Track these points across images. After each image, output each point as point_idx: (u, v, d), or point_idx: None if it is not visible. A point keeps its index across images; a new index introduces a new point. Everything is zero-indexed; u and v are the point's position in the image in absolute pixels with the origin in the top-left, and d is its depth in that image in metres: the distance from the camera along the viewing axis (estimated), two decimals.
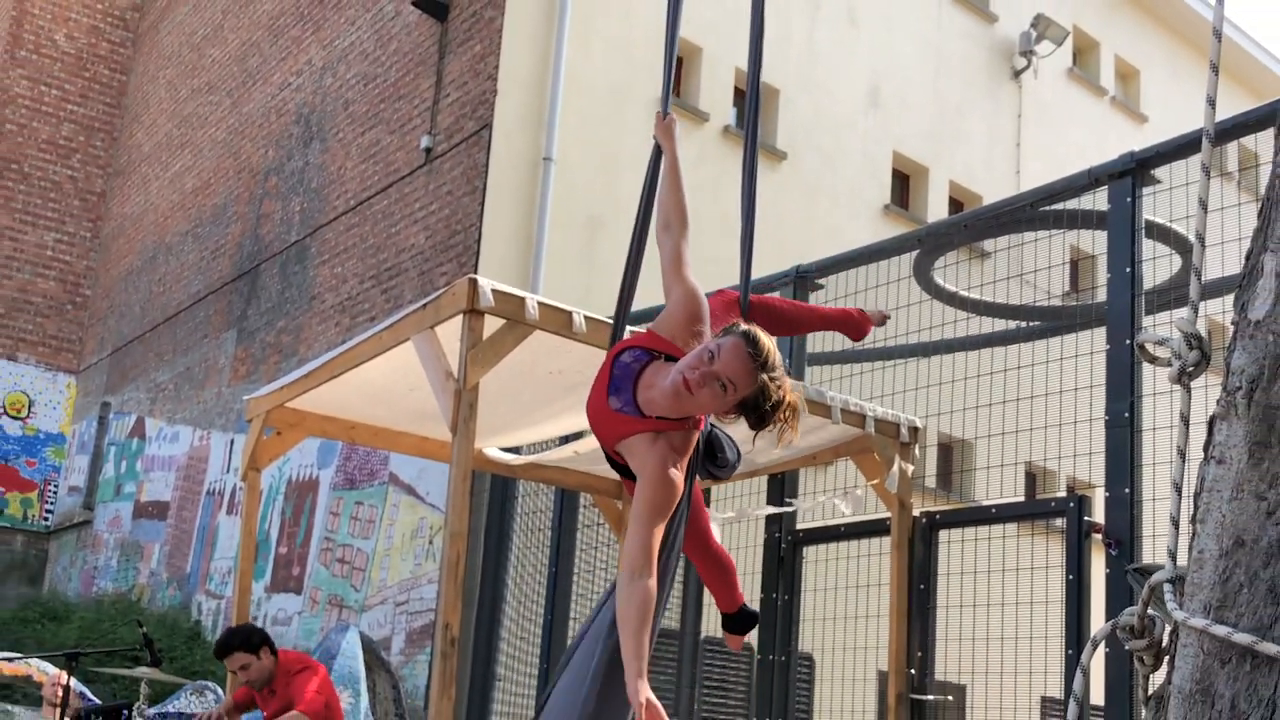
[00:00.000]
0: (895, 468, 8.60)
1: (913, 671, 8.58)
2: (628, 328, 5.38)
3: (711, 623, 10.14)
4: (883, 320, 6.04)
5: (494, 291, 6.84)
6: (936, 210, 19.55)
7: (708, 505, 7.18)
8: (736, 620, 5.39)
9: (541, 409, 8.55)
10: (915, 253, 9.90)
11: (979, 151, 20.68)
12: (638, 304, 5.60)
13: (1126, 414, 7.42)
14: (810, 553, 9.69)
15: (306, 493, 17.01)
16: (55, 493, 25.15)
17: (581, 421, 8.87)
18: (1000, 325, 10.70)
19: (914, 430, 8.77)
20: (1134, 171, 7.77)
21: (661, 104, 5.46)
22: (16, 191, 25.53)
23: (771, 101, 17.80)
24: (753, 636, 9.55)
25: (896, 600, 8.60)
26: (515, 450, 10.16)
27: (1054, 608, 7.95)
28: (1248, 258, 3.86)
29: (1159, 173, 7.82)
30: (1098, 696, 7.25)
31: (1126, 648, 4.10)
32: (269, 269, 19.44)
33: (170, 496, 21.04)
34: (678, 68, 17.17)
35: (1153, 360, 4.16)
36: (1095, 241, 8.27)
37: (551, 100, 15.35)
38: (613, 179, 15.51)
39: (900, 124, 19.59)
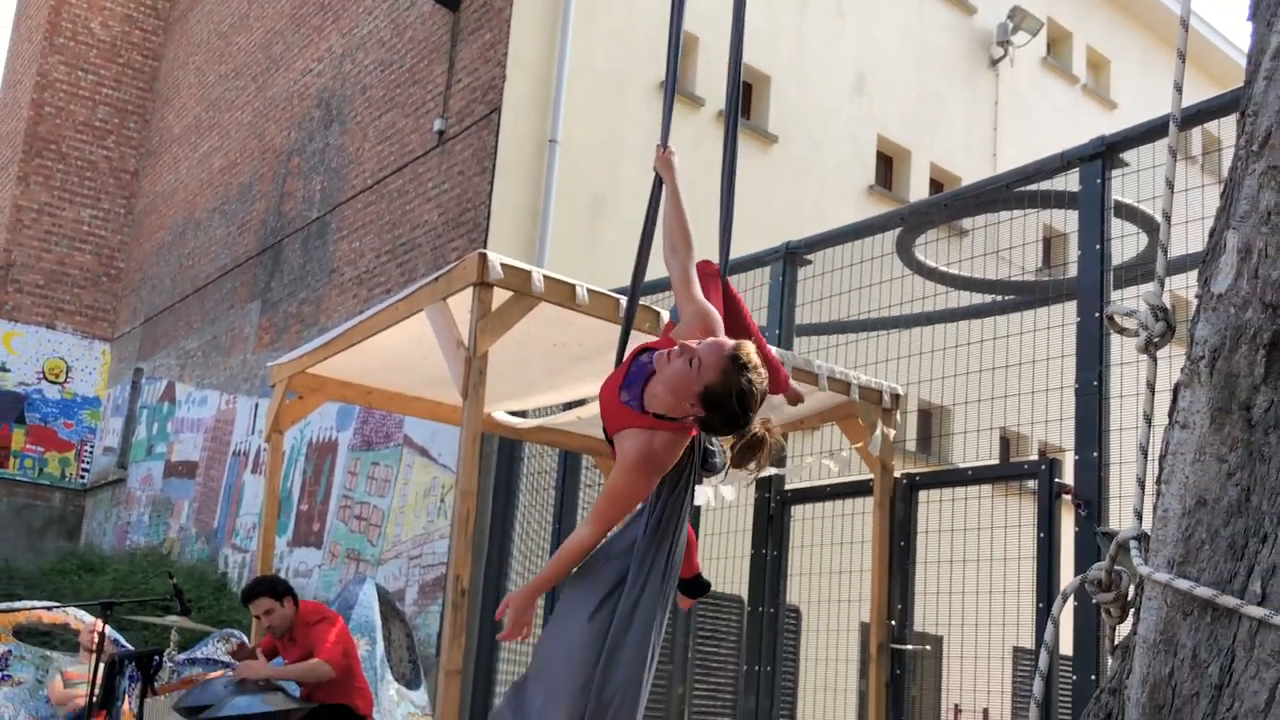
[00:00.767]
0: (878, 432, 8.61)
1: (893, 623, 8.60)
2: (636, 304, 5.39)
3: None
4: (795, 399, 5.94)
5: (502, 265, 6.83)
6: (918, 191, 19.54)
7: None
8: (691, 586, 5.40)
9: (547, 376, 8.55)
10: (898, 230, 9.89)
11: (958, 135, 20.66)
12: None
13: (1095, 382, 7.43)
14: (798, 511, 9.70)
15: (326, 454, 17.02)
16: (91, 453, 25.16)
17: (583, 389, 8.89)
18: (977, 299, 10.71)
19: (896, 397, 8.77)
20: (1104, 155, 7.76)
21: (661, 137, 5.42)
22: (55, 170, 25.52)
23: (763, 88, 17.81)
24: (744, 589, 9.60)
25: (878, 556, 8.62)
26: (522, 414, 10.16)
27: (1026, 564, 7.96)
28: (1211, 235, 3.85)
29: (1127, 156, 7.81)
30: (1067, 647, 7.27)
31: (1094, 601, 4.10)
32: (291, 244, 19.42)
33: (199, 457, 21.05)
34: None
35: (1121, 331, 4.15)
36: (1067, 220, 8.27)
37: (557, 86, 15.33)
38: (615, 161, 15.50)
39: (884, 110, 19.57)
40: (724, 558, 9.94)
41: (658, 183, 5.34)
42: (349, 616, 9.46)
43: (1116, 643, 4.13)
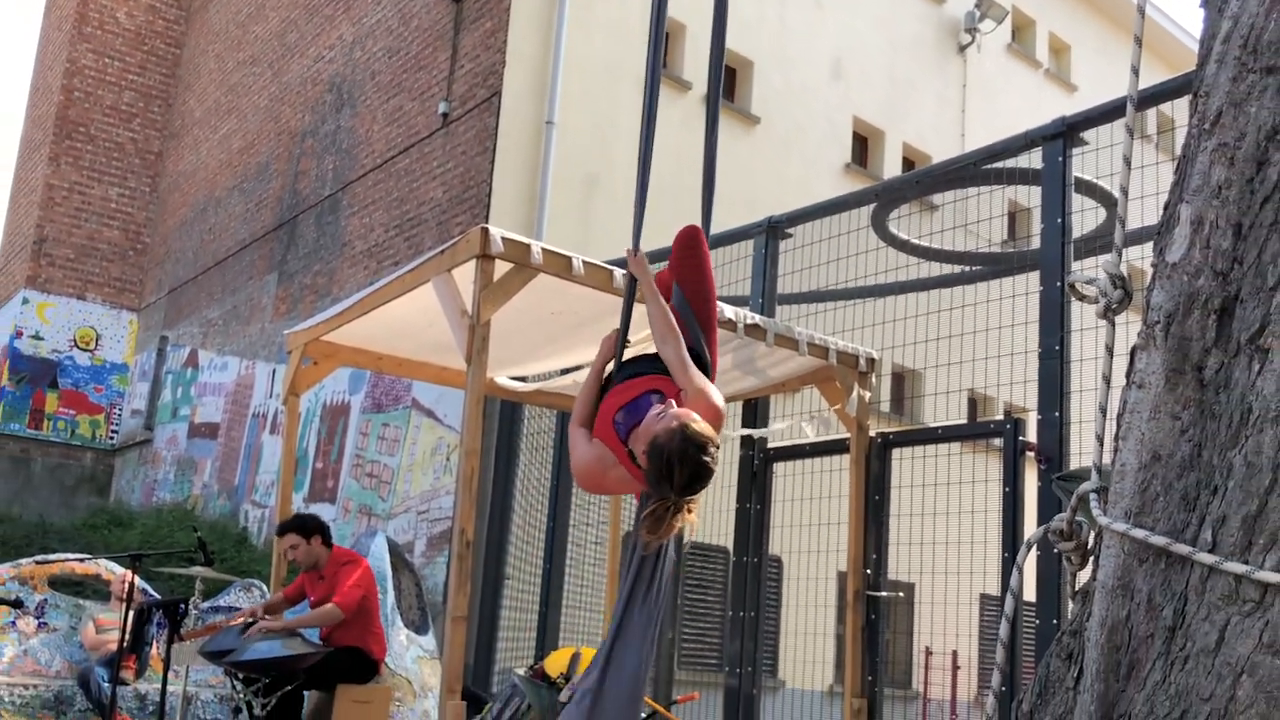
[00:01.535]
0: (854, 394, 8.61)
1: (868, 571, 8.61)
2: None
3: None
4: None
5: (503, 239, 6.81)
6: (891, 169, 19.55)
7: None
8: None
9: (545, 343, 8.54)
10: (873, 205, 9.88)
11: (929, 117, 20.65)
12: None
13: (1057, 347, 7.43)
14: (779, 468, 9.71)
15: (339, 415, 17.02)
16: (120, 415, 25.15)
17: (580, 354, 8.88)
18: (947, 269, 10.70)
19: (871, 361, 8.77)
20: (1065, 134, 7.76)
21: (633, 240, 5.29)
22: (84, 151, 25.48)
23: (746, 73, 17.79)
24: (729, 541, 9.61)
25: (854, 509, 8.63)
26: (522, 379, 10.16)
27: (992, 516, 7.98)
28: (1166, 208, 3.85)
29: (1087, 135, 7.80)
30: (1030, 593, 7.28)
31: (1056, 549, 4.11)
32: (306, 219, 19.39)
33: (220, 418, 21.05)
34: (665, 42, 17.09)
35: (1081, 298, 4.14)
36: (1030, 196, 8.27)
37: (553, 71, 15.30)
38: (608, 142, 15.48)
39: (860, 93, 19.55)
40: (710, 511, 9.95)
41: (631, 280, 5.28)
42: None
43: (1077, 588, 4.14)
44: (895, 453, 8.86)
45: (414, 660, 9.17)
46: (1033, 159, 8.04)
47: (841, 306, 9.92)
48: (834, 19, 19.39)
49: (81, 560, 11.14)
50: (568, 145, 15.24)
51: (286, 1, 22.05)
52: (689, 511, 4.44)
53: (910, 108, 20.40)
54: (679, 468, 4.33)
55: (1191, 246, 3.65)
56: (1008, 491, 7.78)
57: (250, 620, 8.06)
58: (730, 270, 10.08)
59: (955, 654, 12.16)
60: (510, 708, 9.66)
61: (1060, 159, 7.72)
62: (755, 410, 9.83)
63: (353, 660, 7.99)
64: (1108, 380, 4.00)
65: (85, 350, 25.00)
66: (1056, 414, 7.38)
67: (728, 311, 7.53)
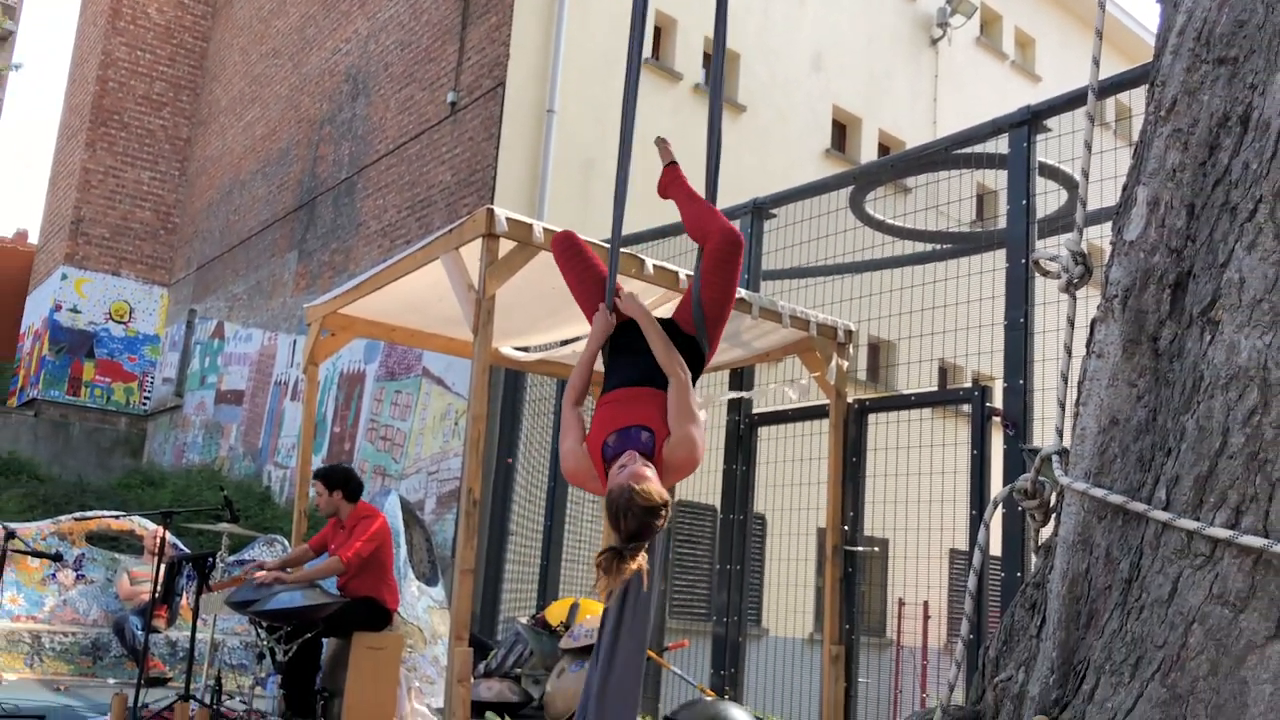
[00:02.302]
0: (833, 363, 8.60)
1: (846, 528, 8.62)
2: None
3: (682, 489, 10.19)
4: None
5: (508, 219, 6.79)
6: (868, 154, 19.52)
7: None
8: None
9: (547, 316, 8.53)
10: (850, 188, 9.86)
11: (903, 106, 20.60)
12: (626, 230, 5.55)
13: (1022, 319, 7.42)
14: (764, 432, 9.71)
15: (355, 383, 17.00)
16: (152, 383, 25.13)
17: (579, 327, 8.86)
18: (919, 248, 10.68)
19: (849, 333, 8.75)
20: (1029, 121, 7.74)
21: (606, 296, 5.20)
22: (118, 138, 25.42)
23: (734, 65, 17.73)
24: (717, 500, 9.61)
25: (833, 470, 8.63)
26: (525, 349, 10.14)
27: (961, 476, 7.98)
28: (1124, 190, 3.83)
29: (1050, 123, 7.78)
30: (997, 548, 7.29)
31: (1020, 507, 4.11)
32: (324, 201, 19.34)
33: (245, 386, 21.03)
34: (656, 35, 17.05)
35: (1045, 274, 4.14)
36: (997, 179, 8.24)
37: (554, 63, 15.25)
38: (605, 128, 15.42)
39: (839, 83, 19.50)
40: (700, 472, 9.92)
41: (602, 326, 5.15)
42: None
43: (1040, 544, 4.13)
44: (871, 418, 8.85)
45: (425, 610, 9.17)
46: (1000, 145, 8.02)
47: (822, 282, 9.90)
48: (815, 14, 19.33)
49: (116, 517, 11.15)
50: (567, 131, 15.21)
51: None
52: (632, 559, 4.35)
53: (886, 97, 20.35)
54: (624, 522, 4.33)
55: (1148, 226, 3.63)
56: (975, 454, 7.78)
57: (258, 568, 8.09)
58: None
59: (926, 605, 12.18)
60: (514, 653, 9.67)
61: (1025, 145, 7.70)
62: (741, 378, 9.83)
63: (368, 610, 7.99)
64: (1069, 350, 4.00)
65: (120, 323, 24.98)
66: (1021, 382, 7.38)
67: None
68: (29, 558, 10.10)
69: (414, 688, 8.31)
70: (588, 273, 5.32)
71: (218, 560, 7.87)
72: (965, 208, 9.58)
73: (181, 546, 10.66)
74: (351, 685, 7.78)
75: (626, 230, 5.73)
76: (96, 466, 23.74)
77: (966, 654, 4.17)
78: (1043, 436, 7.36)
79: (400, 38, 17.89)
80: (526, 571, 11.40)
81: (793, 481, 9.70)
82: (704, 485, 9.49)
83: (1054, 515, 3.92)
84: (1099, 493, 3.47)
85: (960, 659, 3.98)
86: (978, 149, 8.43)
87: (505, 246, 6.86)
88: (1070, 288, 3.98)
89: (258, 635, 7.82)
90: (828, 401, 8.77)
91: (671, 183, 5.42)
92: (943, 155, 8.87)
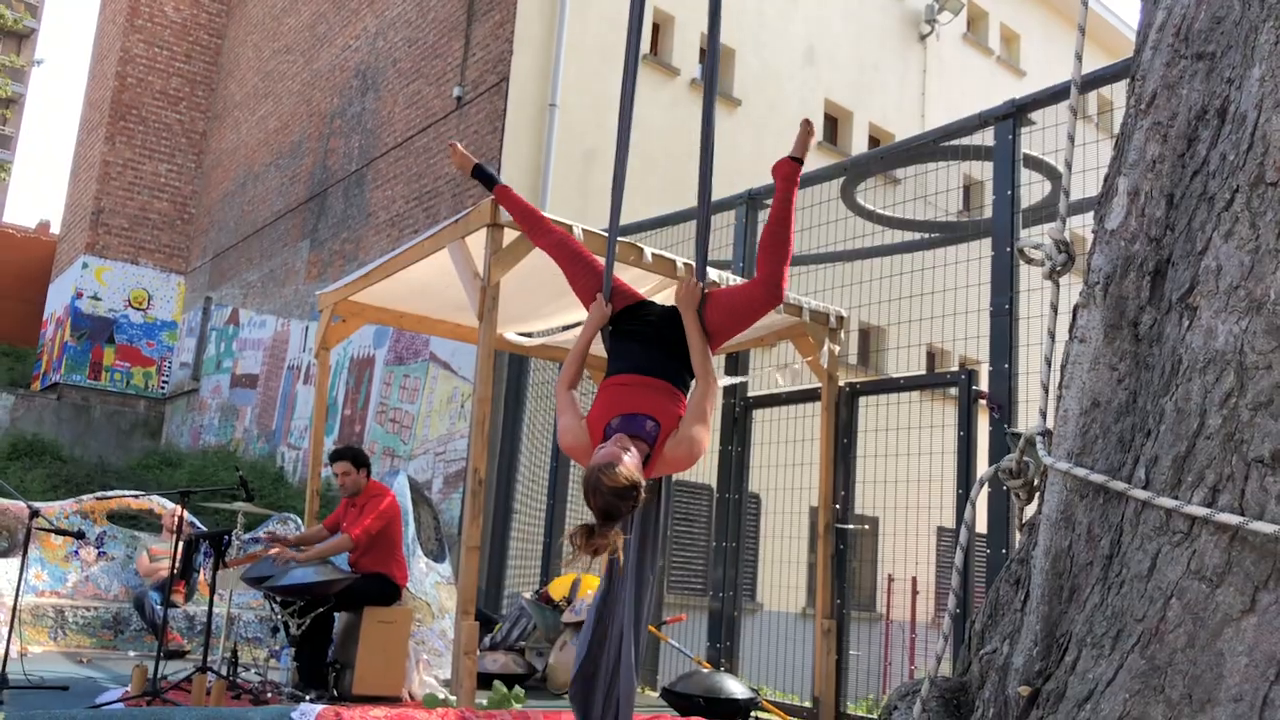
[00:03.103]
0: (825, 348, 8.60)
1: (837, 506, 8.62)
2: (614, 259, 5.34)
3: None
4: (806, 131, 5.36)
5: None
6: (859, 145, 19.48)
7: None
8: None
9: (549, 302, 8.52)
10: (842, 179, 9.84)
11: (892, 99, 20.56)
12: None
13: (1007, 305, 7.42)
14: (758, 414, 9.71)
15: (365, 367, 17.00)
16: (169, 367, 25.13)
17: (580, 313, 8.85)
18: (908, 236, 10.66)
19: (840, 318, 8.75)
20: (1014, 115, 7.73)
21: (605, 288, 5.13)
22: (136, 131, 25.39)
23: (729, 59, 17.70)
24: (714, 479, 9.62)
25: (825, 451, 8.63)
26: (528, 334, 10.14)
27: (948, 457, 7.98)
28: (1105, 181, 3.83)
29: (1034, 116, 7.78)
30: (982, 526, 7.30)
31: (1005, 486, 4.11)
32: (335, 192, 19.32)
33: (259, 370, 21.02)
34: (654, 31, 17.03)
35: (1029, 262, 4.13)
36: (983, 170, 8.23)
37: (556, 58, 15.22)
38: (605, 121, 15.39)
39: (830, 77, 19.46)
40: None
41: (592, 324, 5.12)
42: None
43: (1024, 521, 4.14)
44: (862, 400, 8.86)
45: (432, 585, 9.18)
46: (985, 137, 8.01)
47: (814, 269, 9.89)
48: (806, 10, 19.29)
49: (136, 496, 11.15)
50: (569, 125, 15.19)
51: None
52: (602, 537, 4.26)
53: (876, 91, 20.32)
54: (593, 500, 4.24)
55: (1128, 215, 3.63)
56: (962, 435, 7.78)
57: (271, 541, 8.09)
58: (713, 238, 10.02)
59: (915, 580, 12.20)
60: (519, 627, 9.69)
61: (1010, 137, 7.69)
62: (736, 362, 9.83)
63: (378, 585, 8.00)
64: (1053, 335, 3.99)
65: (138, 309, 24.97)
66: (1006, 366, 7.38)
67: (712, 274, 7.51)
68: (53, 535, 10.11)
69: (422, 660, 8.32)
70: (576, 256, 5.30)
71: (233, 538, 7.87)
72: (952, 198, 9.57)
73: (199, 525, 10.67)
74: (362, 657, 7.79)
75: (625, 220, 5.72)
76: (116, 448, 23.76)
77: (953, 627, 4.18)
78: (1027, 418, 7.36)
79: (408, 35, 17.86)
80: (530, 548, 11.42)
81: (786, 462, 9.71)
82: (701, 466, 9.46)
83: (1038, 494, 3.92)
84: (1081, 472, 3.47)
85: (947, 632, 3.98)
86: (964, 141, 8.42)
87: (509, 236, 6.86)
88: (1053, 275, 3.98)
89: (272, 610, 7.82)
90: (820, 385, 8.77)
91: (786, 177, 5.09)
92: (931, 147, 8.86)
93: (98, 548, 10.81)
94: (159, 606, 9.62)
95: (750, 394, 9.69)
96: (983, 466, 7.59)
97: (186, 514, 8.61)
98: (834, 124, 19.84)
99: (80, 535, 8.15)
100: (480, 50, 15.64)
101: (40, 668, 8.09)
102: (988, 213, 7.92)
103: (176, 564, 7.94)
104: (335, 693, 7.69)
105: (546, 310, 8.90)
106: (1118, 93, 5.67)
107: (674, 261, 7.62)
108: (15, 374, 26.49)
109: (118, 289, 24.76)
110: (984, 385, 7.67)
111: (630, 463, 4.28)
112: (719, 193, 10.18)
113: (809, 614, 10.23)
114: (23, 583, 7.72)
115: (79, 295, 24.34)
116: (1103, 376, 3.56)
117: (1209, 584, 3.07)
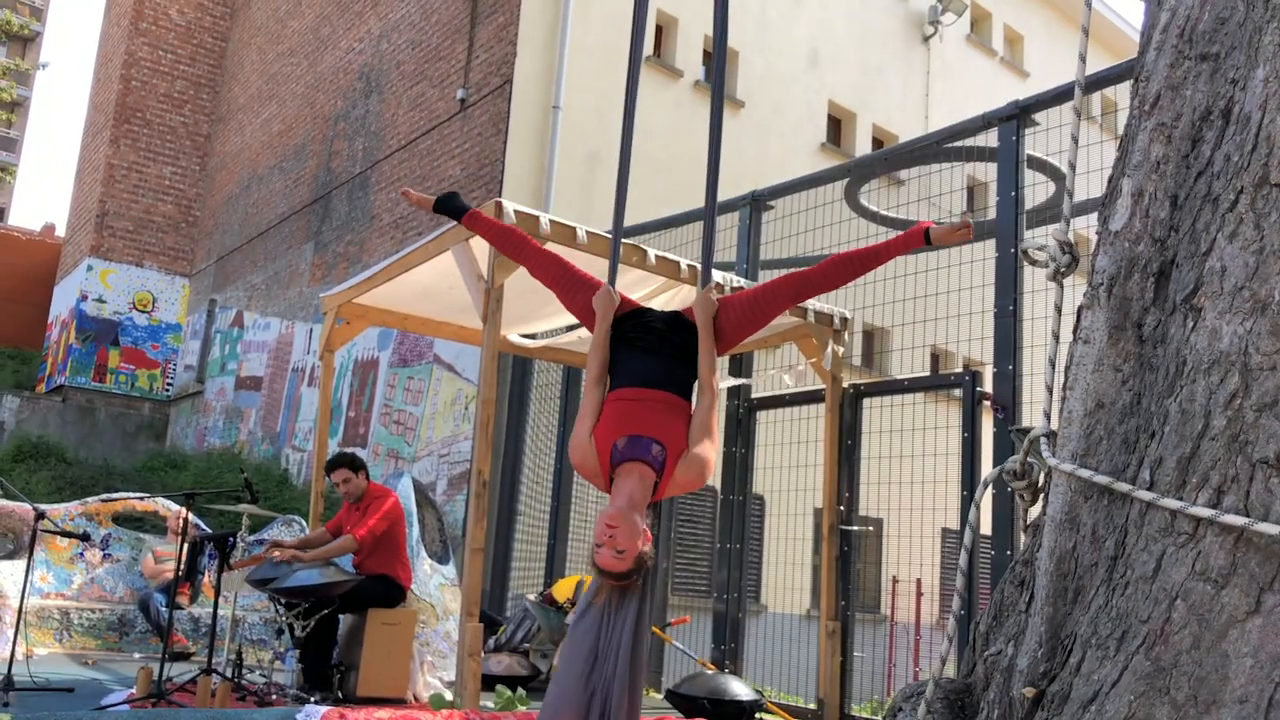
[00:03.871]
0: (829, 349, 8.59)
1: (842, 508, 8.62)
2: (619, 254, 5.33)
3: None
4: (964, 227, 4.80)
5: (515, 211, 6.79)
6: (862, 147, 19.48)
7: None
8: None
9: (552, 305, 8.51)
10: (845, 180, 9.84)
11: (896, 100, 20.56)
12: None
13: (1011, 307, 7.41)
14: (762, 416, 9.70)
15: (369, 370, 17.01)
16: (174, 370, 25.15)
17: None
18: None
19: (844, 320, 8.75)
20: (1018, 116, 7.72)
21: (610, 278, 5.10)
22: (141, 134, 25.42)
23: (732, 62, 17.71)
24: (717, 480, 9.61)
25: (829, 453, 8.63)
26: (531, 336, 10.14)
27: (952, 458, 7.97)
28: (1109, 182, 3.83)
29: (1038, 116, 7.77)
30: (987, 527, 7.29)
31: (1010, 488, 4.10)
32: (339, 194, 19.33)
33: (264, 372, 21.04)
34: (657, 33, 17.03)
35: (1033, 263, 4.13)
36: (987, 171, 8.24)
37: (559, 60, 15.23)
38: (608, 123, 15.40)
39: (834, 79, 19.46)
40: None
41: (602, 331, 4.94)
42: None
43: (1028, 522, 4.13)
44: (866, 402, 8.85)
45: (437, 587, 9.17)
46: (989, 138, 8.01)
47: None
48: (810, 12, 19.29)
49: (141, 498, 11.15)
50: (572, 127, 15.19)
51: None
52: (627, 578, 4.28)
53: (879, 92, 20.31)
54: (601, 570, 4.25)
55: (1132, 216, 3.63)
56: (966, 436, 7.77)
57: (275, 546, 8.10)
58: (718, 239, 10.03)
59: (919, 582, 12.19)
60: (523, 629, 9.69)
61: (1014, 138, 7.69)
62: (740, 363, 9.83)
63: (383, 587, 8.00)
64: (1057, 336, 3.99)
65: (143, 312, 24.99)
66: (1010, 367, 7.37)
67: (716, 275, 7.51)
68: (58, 537, 10.10)
69: (426, 661, 8.32)
70: (565, 273, 5.22)
71: (238, 540, 7.87)
72: (956, 199, 9.57)
73: (203, 526, 10.67)
74: (367, 659, 7.79)
75: (629, 222, 5.72)
76: (121, 450, 23.78)
77: (958, 629, 4.18)
78: (1031, 419, 7.37)
79: (411, 37, 17.87)
80: (534, 550, 11.42)
81: (791, 463, 9.70)
82: None
83: (1042, 495, 3.92)
84: (1085, 473, 3.47)
85: (952, 634, 3.98)
86: (968, 143, 8.41)
87: None
88: (1058, 276, 3.98)
89: (277, 611, 7.82)
90: (824, 386, 8.77)
91: (906, 243, 4.59)
92: (934, 149, 8.85)
93: (103, 550, 10.82)
94: (164, 608, 9.62)
95: (754, 396, 9.69)
96: (987, 468, 7.58)
97: (191, 516, 8.61)
98: (837, 126, 19.84)
99: (85, 537, 8.15)
100: (484, 52, 15.65)
101: (46, 670, 8.09)
102: (992, 214, 7.91)
103: (181, 566, 7.95)
104: (340, 694, 7.69)
105: (550, 312, 8.90)
106: (1122, 94, 5.67)
107: (678, 263, 7.62)
108: (20, 376, 26.52)
109: (122, 292, 24.79)
110: (988, 387, 7.66)
111: (637, 545, 4.26)
112: (722, 194, 10.18)
113: (813, 616, 10.22)
114: (28, 584, 7.73)
115: (84, 298, 24.36)
116: (1107, 378, 3.55)
117: (1214, 585, 3.06)
